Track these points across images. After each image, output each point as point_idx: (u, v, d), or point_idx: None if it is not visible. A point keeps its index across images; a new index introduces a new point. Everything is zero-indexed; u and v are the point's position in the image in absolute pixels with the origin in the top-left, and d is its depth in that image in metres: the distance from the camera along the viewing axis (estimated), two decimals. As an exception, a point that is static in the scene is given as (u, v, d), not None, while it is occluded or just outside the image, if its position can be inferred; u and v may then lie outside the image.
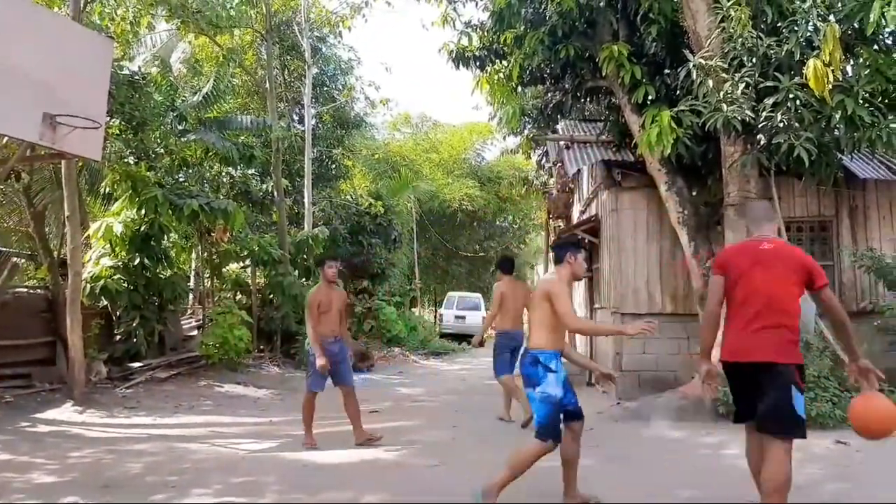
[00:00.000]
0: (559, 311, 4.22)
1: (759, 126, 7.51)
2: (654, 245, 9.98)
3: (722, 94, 7.59)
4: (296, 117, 20.47)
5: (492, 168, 30.88)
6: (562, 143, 12.23)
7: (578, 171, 12.65)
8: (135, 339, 10.66)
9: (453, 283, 31.35)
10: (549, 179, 18.45)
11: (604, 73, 9.20)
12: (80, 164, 10.35)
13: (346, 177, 21.93)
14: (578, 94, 10.60)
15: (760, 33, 7.56)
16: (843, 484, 4.43)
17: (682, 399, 7.74)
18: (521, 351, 4.46)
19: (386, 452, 6.29)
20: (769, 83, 7.41)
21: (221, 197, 13.78)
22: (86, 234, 10.86)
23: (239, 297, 15.07)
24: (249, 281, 14.94)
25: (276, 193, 15.92)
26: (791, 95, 7.19)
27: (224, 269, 15.16)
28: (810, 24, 7.27)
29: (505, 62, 10.36)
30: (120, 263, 10.89)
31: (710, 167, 8.87)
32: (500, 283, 8.15)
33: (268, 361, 13.18)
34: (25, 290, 10.74)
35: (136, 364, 10.55)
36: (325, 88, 20.88)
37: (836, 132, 7.66)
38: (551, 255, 4.73)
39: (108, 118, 9.57)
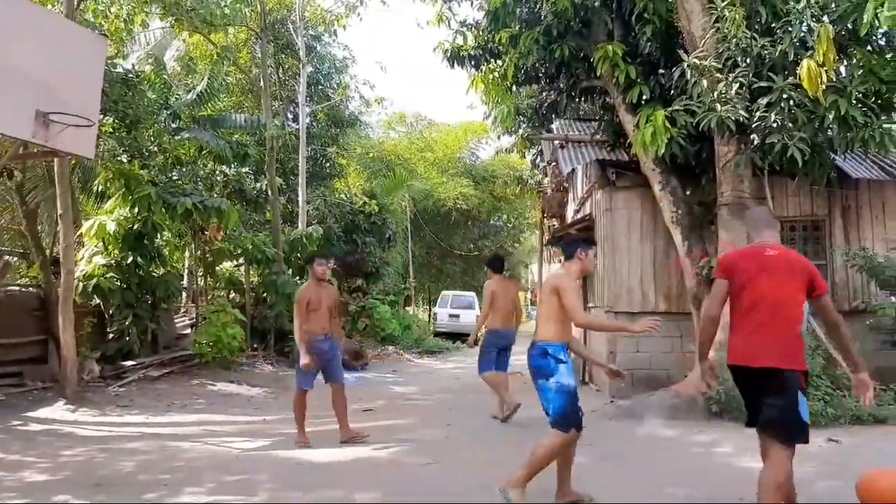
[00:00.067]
0: (566, 305, 4.29)
1: (753, 126, 7.55)
2: (647, 244, 10.01)
3: (716, 94, 7.62)
4: (290, 116, 20.43)
5: (486, 167, 30.88)
6: (556, 142, 12.25)
7: (573, 170, 12.66)
8: (127, 338, 10.63)
9: (448, 282, 31.36)
10: (543, 179, 18.48)
11: (598, 73, 9.21)
12: (73, 161, 10.30)
13: (340, 175, 21.89)
14: (573, 94, 10.61)
15: (754, 34, 7.59)
16: (836, 482, 4.45)
17: (675, 397, 7.76)
18: (529, 344, 4.52)
19: (379, 451, 6.29)
20: (763, 83, 7.45)
21: (215, 195, 13.72)
22: (78, 233, 10.80)
23: (232, 295, 15.04)
24: (243, 279, 14.90)
25: (270, 192, 15.86)
26: (785, 96, 7.22)
27: (218, 268, 15.11)
28: (804, 24, 7.31)
29: (500, 61, 10.36)
30: (113, 262, 10.84)
31: (704, 167, 8.89)
32: (490, 281, 8.17)
33: (261, 360, 13.16)
34: (17, 288, 10.68)
35: (129, 362, 10.51)
36: (320, 87, 20.84)
37: (830, 132, 7.70)
38: (561, 251, 4.77)
39: (102, 116, 9.52)
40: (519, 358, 15.01)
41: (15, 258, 12.52)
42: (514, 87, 10.97)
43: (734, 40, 7.58)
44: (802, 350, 3.74)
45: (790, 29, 7.35)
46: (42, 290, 10.25)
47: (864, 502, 3.69)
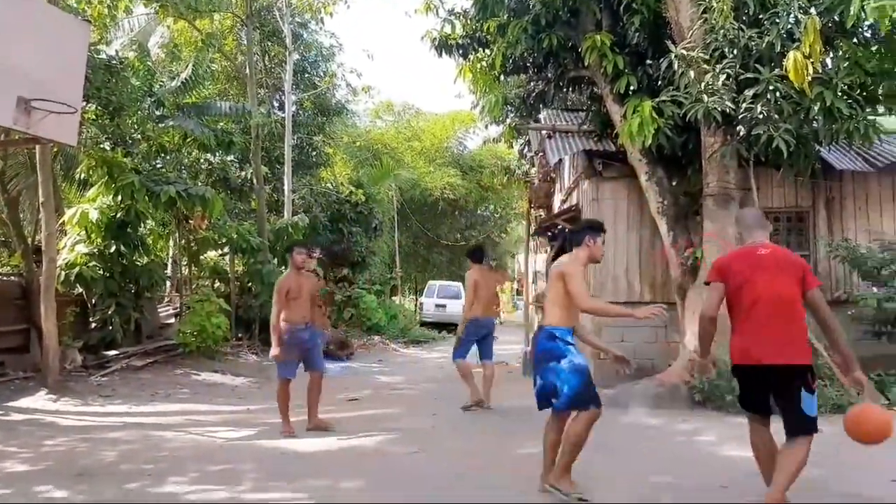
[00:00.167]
0: (572, 290, 4.32)
1: (739, 117, 7.57)
2: (633, 234, 10.04)
3: (703, 85, 7.63)
4: (276, 104, 20.28)
5: (474, 157, 30.83)
6: (544, 132, 12.24)
7: (560, 160, 12.66)
8: (110, 327, 10.53)
9: (434, 272, 31.34)
10: (530, 169, 18.46)
11: (586, 63, 9.20)
12: (56, 149, 10.17)
13: (326, 164, 21.78)
14: (561, 84, 10.60)
15: (742, 25, 7.60)
16: (819, 470, 4.49)
17: (659, 387, 7.81)
18: (535, 329, 4.54)
19: (365, 440, 6.28)
20: (750, 75, 7.47)
21: (199, 183, 13.63)
22: (61, 221, 10.68)
23: (217, 284, 14.94)
24: (228, 269, 14.81)
25: (255, 180, 15.76)
26: (771, 87, 7.25)
27: (202, 257, 15.01)
28: (791, 16, 7.33)
29: (488, 51, 10.32)
30: (95, 250, 10.73)
31: (691, 158, 8.92)
32: (472, 271, 8.21)
33: (246, 349, 13.09)
34: (-1, 276, 10.56)
35: (112, 352, 10.42)
36: (307, 75, 20.70)
37: (815, 124, 7.74)
38: (571, 237, 4.76)
39: (84, 103, 9.39)
40: (505, 348, 15.08)
41: (-4, 246, 12.38)
42: (501, 77, 10.93)
43: (722, 31, 7.58)
44: (805, 344, 3.83)
45: (777, 20, 7.37)
46: (24, 278, 10.13)
47: (852, 435, 3.85)
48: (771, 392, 3.88)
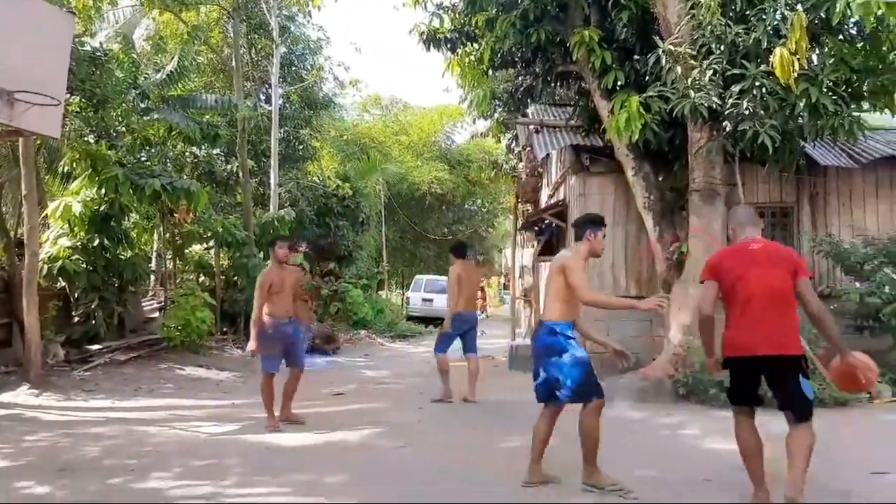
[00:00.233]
0: (573, 283, 4.35)
1: (726, 113, 7.61)
2: (619, 229, 10.07)
3: (690, 80, 7.65)
4: (262, 97, 20.13)
5: (462, 151, 30.79)
6: (531, 127, 12.23)
7: (547, 155, 12.66)
8: (93, 321, 10.43)
9: (421, 266, 31.30)
10: (518, 163, 18.48)
11: (574, 58, 9.19)
12: (39, 141, 10.06)
13: (313, 158, 21.65)
14: (549, 79, 10.58)
15: (729, 21, 7.62)
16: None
17: (644, 381, 7.85)
18: (535, 324, 4.57)
19: (350, 434, 6.26)
20: (736, 71, 7.49)
21: (185, 177, 13.51)
22: (43, 214, 10.58)
23: (202, 278, 14.85)
24: (213, 262, 14.71)
25: (241, 174, 15.65)
26: (757, 83, 7.28)
27: (187, 251, 14.90)
28: (778, 12, 7.36)
29: (476, 45, 10.30)
30: (78, 244, 10.62)
31: (677, 153, 8.95)
32: (455, 266, 8.25)
33: (231, 344, 13.02)
34: (-20, 270, 10.42)
35: (95, 346, 10.33)
36: (294, 68, 20.54)
37: (800, 120, 7.79)
38: (573, 231, 4.79)
39: (68, 95, 9.27)
40: (491, 342, 15.05)
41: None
42: (490, 71, 10.92)
43: (709, 27, 7.60)
44: (798, 335, 3.92)
45: (764, 17, 7.40)
46: (6, 272, 10.00)
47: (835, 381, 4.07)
48: (768, 383, 3.96)
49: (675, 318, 8.12)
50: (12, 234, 10.74)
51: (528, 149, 14.79)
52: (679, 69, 7.76)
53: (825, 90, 7.32)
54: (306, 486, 4.61)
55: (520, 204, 18.47)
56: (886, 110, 8.25)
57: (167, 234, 13.91)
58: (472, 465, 5.14)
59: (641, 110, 8.15)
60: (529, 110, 12.59)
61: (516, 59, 10.44)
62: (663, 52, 7.82)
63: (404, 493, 4.52)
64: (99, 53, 11.04)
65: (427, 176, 28.05)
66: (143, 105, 12.82)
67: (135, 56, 13.62)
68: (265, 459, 5.35)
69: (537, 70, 10.44)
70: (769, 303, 3.84)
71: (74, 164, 11.06)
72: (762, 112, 7.38)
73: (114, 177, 10.47)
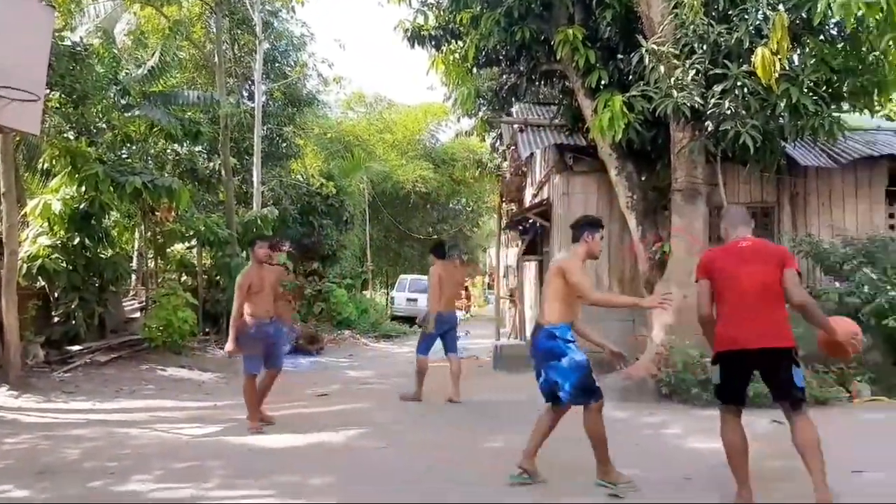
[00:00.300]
0: (576, 284, 4.38)
1: (708, 113, 7.66)
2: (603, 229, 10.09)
3: (673, 80, 7.70)
4: (245, 94, 19.99)
5: (446, 150, 30.76)
6: (516, 126, 12.25)
7: (531, 154, 12.68)
8: (73, 322, 10.27)
9: (406, 266, 31.27)
10: (502, 162, 18.49)
11: (558, 57, 9.20)
12: (18, 138, 9.91)
13: (297, 156, 21.53)
14: (533, 77, 10.61)
15: (712, 20, 7.68)
16: (783, 461, 4.57)
17: (627, 380, 7.87)
18: (533, 327, 4.58)
19: (334, 435, 6.24)
20: (718, 70, 7.55)
21: (166, 174, 13.37)
22: (22, 212, 10.40)
23: (184, 278, 14.71)
24: (195, 262, 14.58)
25: (223, 172, 15.51)
26: (739, 83, 7.34)
27: (168, 250, 14.73)
28: (760, 12, 7.42)
29: (461, 42, 10.27)
30: (58, 242, 10.45)
31: (660, 153, 9.00)
32: (435, 266, 8.27)
33: (213, 344, 12.89)
34: (-44, 269, 10.24)
35: (75, 347, 10.18)
36: (277, 64, 20.43)
37: (781, 120, 7.87)
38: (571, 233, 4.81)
39: (48, 91, 9.13)
40: (476, 342, 15.03)
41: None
42: (474, 69, 10.91)
43: (692, 27, 7.65)
44: (789, 327, 3.99)
45: (746, 16, 7.45)
46: (-17, 271, 9.85)
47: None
48: (762, 376, 4.09)
49: (658, 318, 8.16)
50: (-10, 232, 10.58)
51: (513, 148, 14.81)
52: (662, 68, 7.80)
53: (806, 90, 7.40)
54: (290, 488, 4.59)
55: (504, 203, 18.49)
56: (865, 111, 8.35)
57: (148, 233, 13.77)
58: (456, 465, 5.14)
59: (625, 109, 8.19)
60: (514, 109, 12.60)
61: (501, 57, 10.44)
62: (646, 51, 7.86)
63: (388, 493, 4.51)
64: (79, 48, 10.89)
65: (411, 175, 28.01)
66: (123, 101, 12.68)
67: (116, 51, 13.47)
68: (248, 461, 5.31)
69: (521, 68, 10.45)
70: (760, 298, 3.93)
71: (54, 162, 10.90)
72: (744, 112, 7.44)
73: (94, 174, 10.32)
